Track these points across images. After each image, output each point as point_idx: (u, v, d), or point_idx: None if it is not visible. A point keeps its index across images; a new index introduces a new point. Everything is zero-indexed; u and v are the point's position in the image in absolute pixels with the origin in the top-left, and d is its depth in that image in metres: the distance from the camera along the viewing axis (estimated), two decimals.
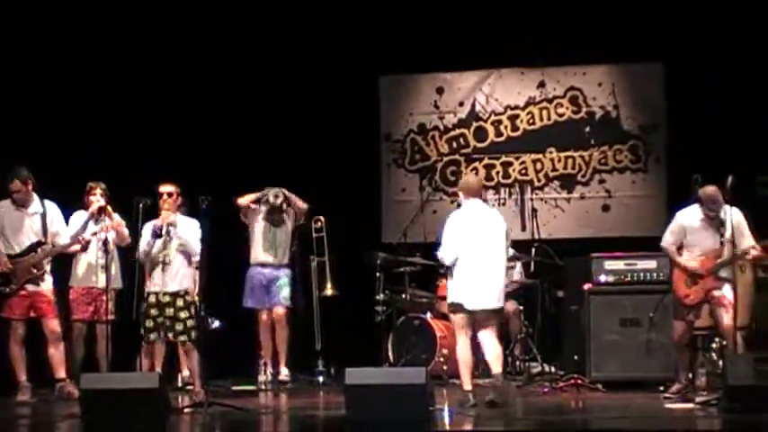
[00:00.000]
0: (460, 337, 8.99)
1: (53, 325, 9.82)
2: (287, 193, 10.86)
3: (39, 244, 9.84)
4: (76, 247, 10.04)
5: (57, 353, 9.85)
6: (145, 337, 9.47)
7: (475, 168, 12.66)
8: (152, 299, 9.39)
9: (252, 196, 10.80)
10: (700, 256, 9.28)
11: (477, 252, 8.84)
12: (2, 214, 9.84)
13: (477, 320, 8.91)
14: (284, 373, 10.86)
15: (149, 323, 9.37)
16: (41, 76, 11.47)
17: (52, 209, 9.95)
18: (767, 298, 9.86)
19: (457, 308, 8.96)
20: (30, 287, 9.78)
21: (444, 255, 8.94)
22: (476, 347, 8.98)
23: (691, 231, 9.38)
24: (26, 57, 11.40)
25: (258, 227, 10.88)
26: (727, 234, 9.05)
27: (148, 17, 11.70)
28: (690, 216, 9.39)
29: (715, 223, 9.21)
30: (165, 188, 9.37)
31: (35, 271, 9.80)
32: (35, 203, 9.86)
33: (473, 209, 9.04)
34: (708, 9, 11.40)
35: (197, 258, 9.44)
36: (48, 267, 9.90)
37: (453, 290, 8.96)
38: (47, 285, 9.88)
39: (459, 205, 9.25)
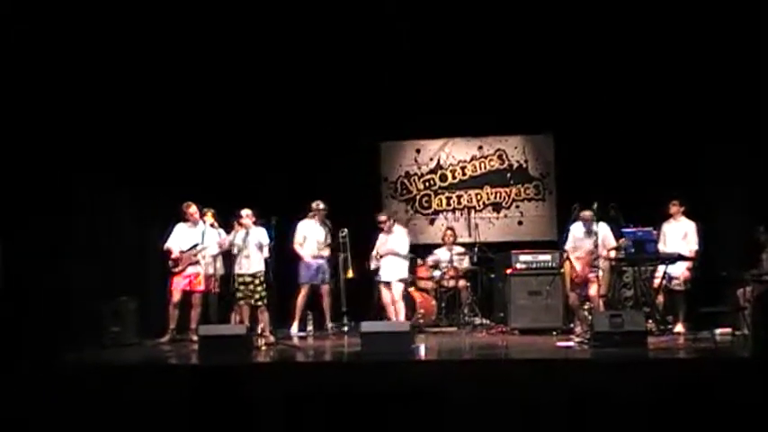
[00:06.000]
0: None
1: (197, 295, 9.95)
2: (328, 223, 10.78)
3: (196, 245, 9.95)
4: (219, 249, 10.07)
5: (195, 313, 9.94)
6: (236, 302, 9.52)
7: (439, 198, 12.61)
8: (239, 279, 9.44)
9: (300, 249, 10.62)
10: (582, 254, 9.46)
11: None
12: (180, 231, 10.02)
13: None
14: (330, 325, 10.77)
15: (239, 294, 9.44)
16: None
17: (205, 226, 9.98)
18: (618, 277, 9.85)
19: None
20: (189, 269, 9.91)
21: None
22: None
23: (578, 239, 9.48)
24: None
25: (310, 235, 10.75)
26: (600, 241, 9.26)
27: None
28: (576, 229, 9.53)
29: (591, 234, 9.31)
30: (245, 211, 9.52)
31: (194, 259, 9.94)
32: (199, 223, 10.00)
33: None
34: (583, 96, 11.33)
35: (266, 250, 9.48)
36: (200, 258, 10.00)
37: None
38: (199, 270, 10.00)
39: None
